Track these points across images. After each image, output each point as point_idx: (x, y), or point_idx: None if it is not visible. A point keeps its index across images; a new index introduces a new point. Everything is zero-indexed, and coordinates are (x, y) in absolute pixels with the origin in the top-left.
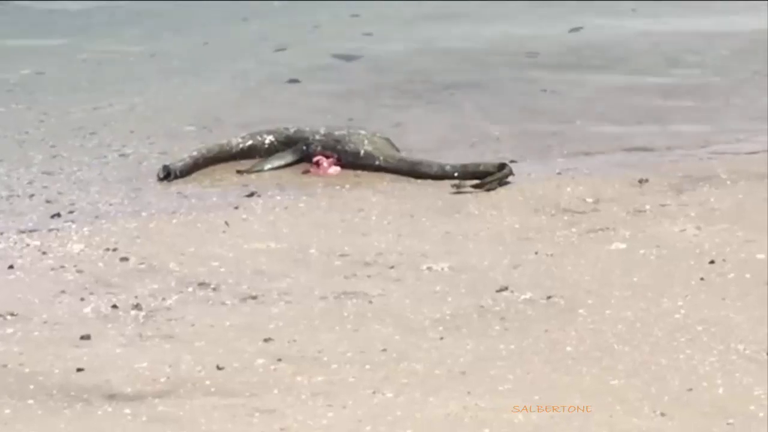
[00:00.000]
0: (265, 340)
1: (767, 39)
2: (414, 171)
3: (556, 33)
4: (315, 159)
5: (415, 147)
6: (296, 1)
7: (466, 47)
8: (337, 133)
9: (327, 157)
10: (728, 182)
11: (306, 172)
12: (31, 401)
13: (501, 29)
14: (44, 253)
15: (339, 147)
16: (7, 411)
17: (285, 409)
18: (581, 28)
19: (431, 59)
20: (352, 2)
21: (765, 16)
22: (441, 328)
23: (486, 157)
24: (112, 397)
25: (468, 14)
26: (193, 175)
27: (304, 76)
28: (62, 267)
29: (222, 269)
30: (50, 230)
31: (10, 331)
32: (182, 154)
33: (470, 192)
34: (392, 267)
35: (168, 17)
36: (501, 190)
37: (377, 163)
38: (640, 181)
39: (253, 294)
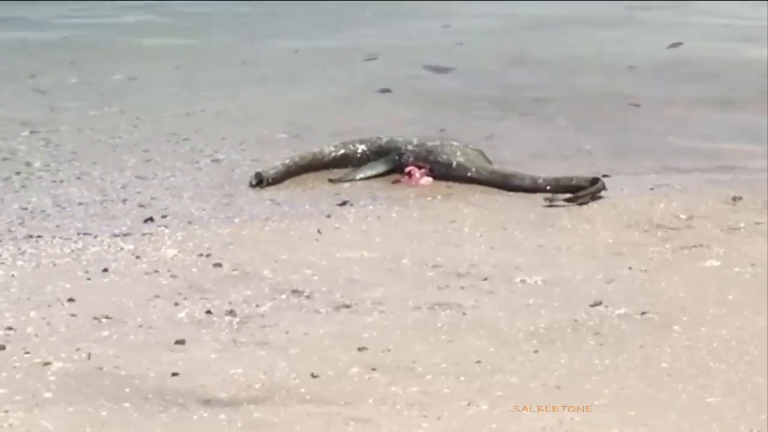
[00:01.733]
0: (359, 349)
1: None
2: (506, 183)
3: (655, 47)
4: (407, 169)
5: (507, 159)
6: (388, 10)
7: (559, 59)
8: (429, 144)
9: (419, 167)
10: None
11: (397, 182)
12: (127, 404)
13: (597, 41)
14: (138, 257)
15: (431, 158)
16: (104, 413)
17: (380, 418)
18: (681, 43)
19: (524, 71)
20: (443, 13)
21: None
22: (535, 341)
23: (579, 170)
24: (207, 402)
25: (563, 25)
26: (285, 183)
27: (396, 86)
28: (156, 271)
29: (315, 277)
30: (144, 234)
31: (105, 334)
32: (274, 161)
33: (563, 205)
34: (485, 279)
35: (260, 25)
36: (594, 205)
37: (469, 174)
38: (734, 199)
39: (347, 303)
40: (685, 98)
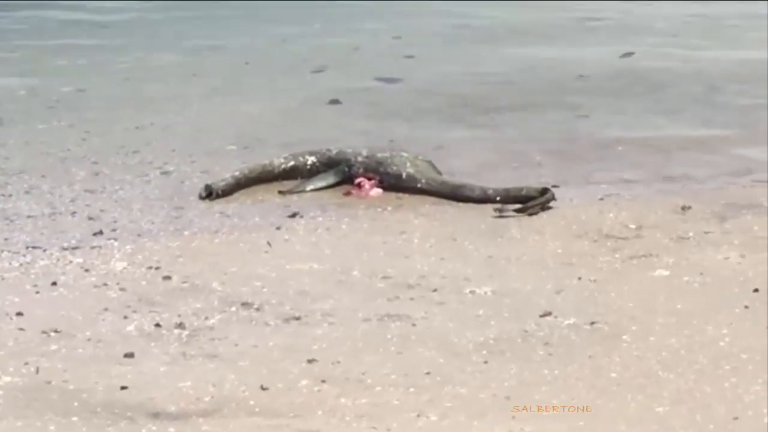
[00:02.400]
0: (309, 361)
1: None
2: (456, 194)
3: (607, 57)
4: (357, 181)
5: (457, 170)
6: (337, 23)
7: (509, 70)
8: (379, 155)
9: (369, 179)
10: None
11: (348, 193)
12: (75, 418)
13: (547, 52)
14: (87, 270)
15: (381, 169)
16: (52, 427)
17: (329, 430)
18: (633, 53)
19: (474, 82)
20: (393, 24)
21: None
22: (485, 351)
23: (528, 181)
24: (156, 415)
25: (513, 36)
26: (235, 195)
27: (346, 98)
28: (105, 284)
29: (265, 289)
30: (93, 248)
31: (54, 347)
32: (224, 173)
33: (513, 216)
34: (435, 290)
35: (209, 37)
36: (543, 215)
37: (419, 185)
38: (683, 208)
39: (297, 315)
40: (635, 108)
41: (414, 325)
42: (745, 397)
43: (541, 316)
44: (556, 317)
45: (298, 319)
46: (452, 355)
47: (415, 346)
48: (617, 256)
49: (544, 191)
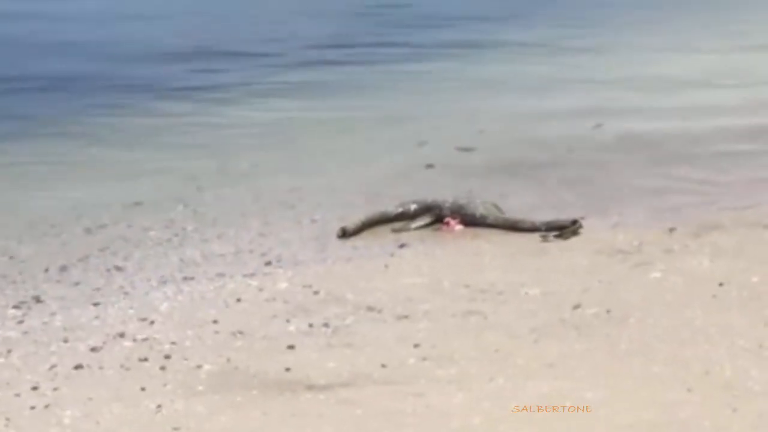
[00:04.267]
0: (414, 346)
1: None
2: (514, 227)
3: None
4: (446, 220)
5: (515, 210)
6: (434, 107)
7: (552, 136)
8: (461, 201)
9: (454, 218)
10: (731, 229)
11: (439, 229)
12: (255, 392)
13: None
14: (261, 290)
15: (462, 211)
16: (239, 398)
17: (429, 392)
18: (602, 124)
19: (527, 146)
20: (468, 107)
21: None
22: (535, 335)
23: (563, 215)
24: (310, 387)
25: (556, 113)
26: (362, 234)
27: (438, 162)
28: (274, 299)
29: (384, 297)
30: (265, 274)
31: (239, 344)
32: (354, 218)
33: (553, 241)
34: (500, 293)
35: (338, 121)
36: (574, 239)
37: (488, 221)
38: (670, 230)
39: (405, 314)
40: (633, 162)
41: (486, 318)
42: (714, 358)
43: (573, 308)
44: (583, 309)
45: (406, 317)
46: (513, 338)
47: (487, 333)
48: (625, 264)
49: (574, 222)
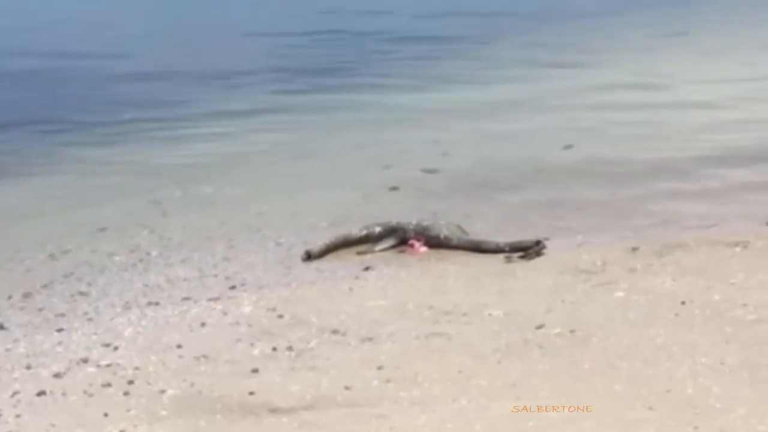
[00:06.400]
0: (378, 368)
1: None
2: (478, 248)
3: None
4: (410, 242)
5: (479, 231)
6: (399, 130)
7: (515, 160)
8: (425, 223)
9: (418, 240)
10: (694, 247)
11: (403, 251)
12: (218, 416)
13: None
14: (225, 314)
15: (426, 233)
16: (202, 423)
17: (393, 414)
18: (572, 146)
19: (490, 170)
20: (432, 131)
21: None
22: (499, 355)
23: (527, 236)
24: (274, 410)
25: (521, 135)
26: (327, 257)
27: (402, 185)
28: (238, 323)
29: (348, 320)
30: (229, 298)
31: (203, 368)
32: (319, 242)
33: (517, 261)
34: (464, 314)
35: (301, 144)
36: (538, 259)
37: (452, 243)
38: (633, 249)
39: (370, 336)
40: (600, 183)
41: (450, 339)
42: (676, 376)
43: (537, 328)
44: (547, 328)
45: (370, 339)
46: (476, 359)
47: (450, 354)
48: (588, 284)
49: (538, 243)
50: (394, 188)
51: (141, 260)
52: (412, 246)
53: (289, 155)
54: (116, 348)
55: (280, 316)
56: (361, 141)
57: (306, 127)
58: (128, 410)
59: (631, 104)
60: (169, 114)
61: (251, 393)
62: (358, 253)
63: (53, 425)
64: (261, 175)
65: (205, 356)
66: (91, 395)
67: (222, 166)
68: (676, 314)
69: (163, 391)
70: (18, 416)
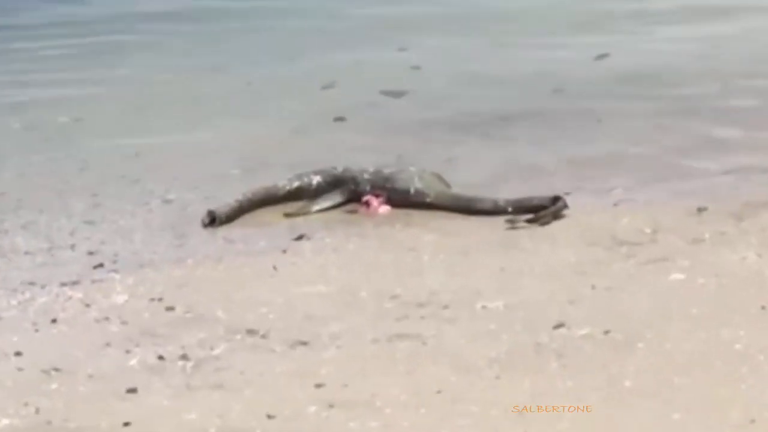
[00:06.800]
0: (317, 386)
1: None
2: (466, 207)
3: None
4: (364, 199)
5: (466, 182)
6: (345, 37)
7: (514, 76)
8: (386, 171)
9: (376, 196)
10: None
11: (355, 212)
12: None
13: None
14: (88, 305)
15: (388, 185)
16: None
17: None
18: (607, 54)
19: (481, 91)
20: (399, 37)
21: None
22: (497, 367)
23: (540, 190)
24: None
25: (513, 43)
26: (239, 220)
27: (351, 114)
28: (106, 319)
29: (271, 315)
30: (93, 282)
31: (54, 386)
32: (227, 198)
33: (524, 227)
34: (446, 307)
35: (209, 56)
36: (555, 224)
37: (428, 200)
38: (699, 210)
39: (303, 339)
40: (642, 110)
41: (424, 343)
42: (762, 399)
43: (554, 327)
44: (569, 328)
45: (305, 343)
46: (464, 372)
47: (425, 365)
48: (631, 262)
49: (556, 199)
50: (340, 119)
51: None
52: (367, 204)
53: (187, 71)
54: None
55: (170, 309)
56: (293, 52)
57: (215, 36)
58: None
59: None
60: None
61: (126, 424)
62: (287, 215)
63: None
64: (143, 99)
65: (56, 369)
66: None
67: (83, 84)
68: (763, 307)
69: None
70: None
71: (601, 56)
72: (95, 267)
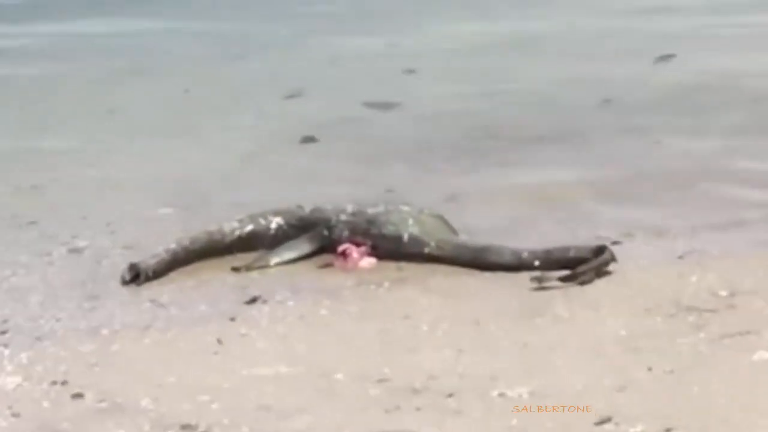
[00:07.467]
0: None
1: None
2: (479, 260)
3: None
4: (341, 248)
5: (477, 227)
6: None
7: (546, 81)
8: (370, 211)
9: (357, 245)
10: None
11: (328, 266)
12: None
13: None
14: None
15: (374, 230)
16: None
17: None
18: (673, 56)
19: (497, 102)
20: (389, 25)
21: None
22: None
23: (578, 237)
24: None
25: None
26: (172, 275)
27: (323, 133)
28: None
29: (214, 405)
30: None
31: None
32: (155, 247)
33: (557, 287)
34: (450, 395)
35: (134, 56)
36: (599, 283)
37: (427, 250)
38: None
39: None
40: (713, 128)
41: None
42: None
43: (597, 423)
44: (617, 424)
45: None
46: None
47: None
48: (702, 335)
49: (600, 251)
50: (309, 139)
51: None
52: (345, 255)
53: (103, 75)
54: None
55: (78, 396)
56: (244, 48)
57: (146, 33)
58: None
59: None
60: None
61: None
62: (236, 270)
63: None
64: (44, 114)
65: None
66: None
67: None
68: None
69: None
70: None
71: (663, 57)
72: None
